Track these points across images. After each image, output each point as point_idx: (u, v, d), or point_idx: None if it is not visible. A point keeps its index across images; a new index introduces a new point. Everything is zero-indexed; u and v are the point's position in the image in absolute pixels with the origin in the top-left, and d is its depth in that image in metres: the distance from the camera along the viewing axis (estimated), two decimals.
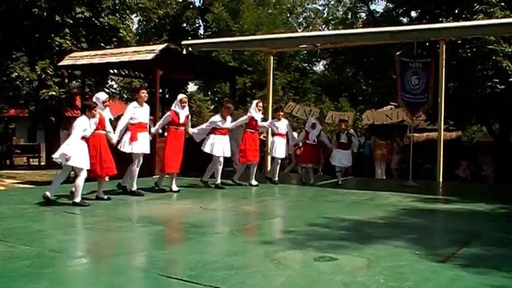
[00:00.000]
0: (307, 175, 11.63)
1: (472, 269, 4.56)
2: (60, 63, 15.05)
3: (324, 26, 39.64)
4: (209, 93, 35.30)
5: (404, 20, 24.30)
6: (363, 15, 34.59)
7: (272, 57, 15.37)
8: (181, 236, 6.12)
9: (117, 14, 20.63)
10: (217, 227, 6.73)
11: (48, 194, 7.78)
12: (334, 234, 6.02)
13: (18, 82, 18.57)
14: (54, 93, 18.84)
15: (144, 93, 9.20)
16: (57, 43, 18.44)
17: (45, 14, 18.05)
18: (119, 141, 8.83)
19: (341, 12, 38.23)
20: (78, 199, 7.76)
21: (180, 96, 9.94)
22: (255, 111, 10.86)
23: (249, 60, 30.87)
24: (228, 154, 10.47)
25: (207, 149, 10.18)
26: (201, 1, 37.41)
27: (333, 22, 37.74)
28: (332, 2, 38.79)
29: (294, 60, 34.81)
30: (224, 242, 5.73)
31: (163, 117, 9.98)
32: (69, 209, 7.55)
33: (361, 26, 30.64)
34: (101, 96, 8.62)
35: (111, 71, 15.96)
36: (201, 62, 15.62)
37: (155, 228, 6.48)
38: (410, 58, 11.51)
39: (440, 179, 12.17)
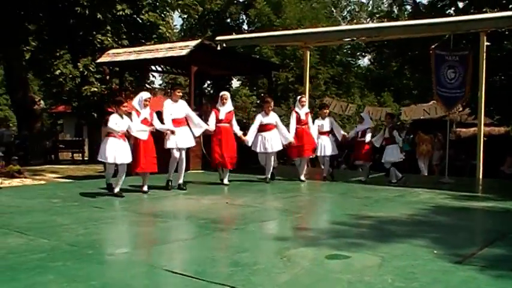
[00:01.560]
0: (364, 172, 11.37)
1: (489, 271, 4.37)
2: (98, 60, 15.36)
3: (368, 19, 39.09)
4: (254, 88, 35.32)
5: (451, 11, 23.69)
6: (408, 7, 34.01)
7: (308, 52, 15.21)
8: (198, 231, 6.10)
9: (157, 11, 20.87)
10: (236, 223, 6.69)
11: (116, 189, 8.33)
12: (353, 231, 5.90)
13: (61, 79, 19.03)
14: (96, 89, 19.21)
15: (179, 92, 9.51)
16: (98, 40, 18.80)
17: (87, 12, 18.40)
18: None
19: (386, 5, 37.50)
20: (116, 189, 8.31)
21: (221, 93, 10.31)
22: (298, 107, 11.02)
23: (291, 55, 30.75)
24: (276, 148, 10.59)
25: (259, 149, 10.50)
26: None
27: (377, 15, 37.18)
28: None
29: (337, 55, 34.49)
30: (239, 238, 5.68)
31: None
32: (96, 204, 7.67)
33: (406, 18, 30.06)
34: (144, 95, 8.87)
35: (149, 67, 16.16)
36: (236, 58, 15.64)
37: (174, 223, 6.51)
38: (447, 51, 11.17)
39: (480, 176, 11.80)
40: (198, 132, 9.66)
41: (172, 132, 9.04)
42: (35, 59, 21.36)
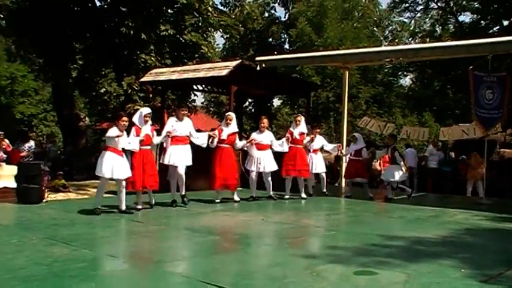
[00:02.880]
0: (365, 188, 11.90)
1: None
2: (141, 79, 15.85)
3: (410, 39, 38.90)
4: (295, 107, 35.53)
5: (495, 29, 23.44)
6: (451, 26, 33.75)
7: (347, 72, 15.36)
8: (232, 246, 6.34)
9: (199, 31, 21.34)
10: (269, 239, 6.90)
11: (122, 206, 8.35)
12: (382, 250, 6.01)
13: (106, 97, 19.62)
14: (139, 107, 19.66)
15: (183, 112, 9.61)
16: (142, 59, 19.31)
17: (132, 32, 18.97)
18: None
19: (428, 25, 37.25)
20: (122, 207, 8.29)
21: (227, 113, 10.60)
22: (292, 126, 11.21)
23: (331, 74, 30.90)
24: (269, 169, 10.60)
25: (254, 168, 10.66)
26: (286, 16, 37.86)
27: (419, 35, 37.00)
28: (418, 15, 37.88)
29: (378, 74, 34.45)
30: (270, 253, 5.89)
31: None
32: (135, 218, 7.99)
33: (449, 37, 29.88)
34: (143, 110, 8.89)
35: (191, 86, 16.56)
36: (276, 78, 15.88)
37: (210, 238, 6.74)
38: (485, 72, 11.18)
39: None
40: (200, 141, 9.69)
41: (168, 134, 9.11)
42: (81, 77, 22.10)
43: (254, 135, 10.68)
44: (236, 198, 10.23)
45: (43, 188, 10.72)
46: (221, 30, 23.22)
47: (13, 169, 12.13)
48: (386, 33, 41.80)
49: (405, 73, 37.07)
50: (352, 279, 4.69)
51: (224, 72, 12.90)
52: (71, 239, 6.20)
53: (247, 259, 5.54)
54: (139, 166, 8.54)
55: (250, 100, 29.92)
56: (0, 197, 11.33)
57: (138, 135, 8.53)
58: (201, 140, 9.70)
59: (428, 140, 17.71)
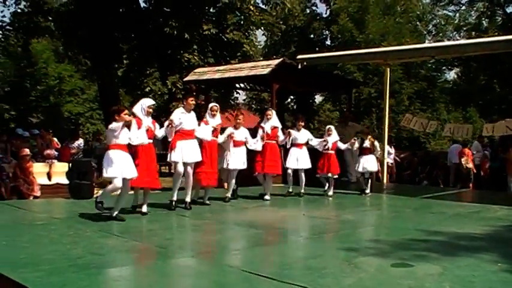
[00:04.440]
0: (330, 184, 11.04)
1: None
2: (185, 79, 16.30)
3: (454, 32, 38.28)
4: (336, 103, 35.51)
5: None
6: (499, 19, 33.08)
7: (389, 69, 15.38)
8: (274, 239, 6.62)
9: (241, 30, 21.69)
10: (310, 233, 7.14)
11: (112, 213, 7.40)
12: (421, 245, 6.15)
13: (150, 96, 20.20)
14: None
15: (192, 101, 8.67)
16: (185, 59, 19.82)
17: (175, 32, 19.49)
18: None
19: (474, 18, 36.54)
20: (114, 213, 7.32)
21: (210, 104, 9.68)
22: (264, 121, 10.47)
23: (374, 70, 30.76)
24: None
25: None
26: (328, 12, 37.82)
27: (464, 28, 36.39)
28: (463, 7, 37.20)
29: (422, 69, 34.08)
30: (310, 246, 6.13)
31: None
32: (181, 212, 8.33)
33: (496, 31, 29.34)
34: (146, 102, 8.10)
35: (233, 85, 16.92)
36: (317, 75, 16.04)
37: (253, 231, 7.02)
38: None
39: None
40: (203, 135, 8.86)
41: (171, 123, 8.07)
42: (127, 76, 22.78)
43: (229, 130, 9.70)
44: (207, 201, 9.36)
45: (93, 184, 11.21)
46: (262, 29, 23.55)
47: (64, 166, 12.74)
48: (430, 27, 41.19)
49: (450, 67, 36.53)
50: (388, 271, 4.88)
51: (266, 71, 13.20)
52: (122, 232, 6.57)
53: (288, 251, 5.81)
54: (144, 162, 7.71)
55: (292, 97, 30.07)
56: (53, 193, 11.96)
57: (139, 127, 7.57)
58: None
59: (472, 136, 17.56)
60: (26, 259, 5.05)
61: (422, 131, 20.14)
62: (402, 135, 29.27)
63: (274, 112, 10.53)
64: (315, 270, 4.86)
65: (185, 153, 8.36)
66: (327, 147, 10.73)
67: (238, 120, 9.78)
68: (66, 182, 11.82)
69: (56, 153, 13.67)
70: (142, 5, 21.92)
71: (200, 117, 9.11)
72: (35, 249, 5.50)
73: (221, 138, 9.41)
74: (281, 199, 10.46)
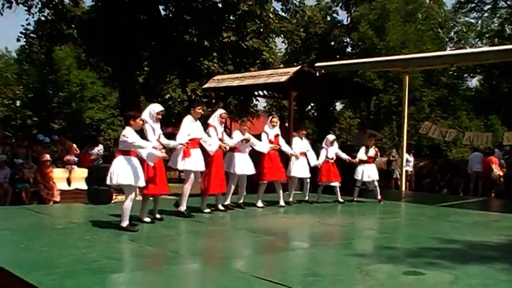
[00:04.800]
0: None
1: None
2: (204, 86, 16.43)
3: (477, 39, 37.96)
4: (357, 110, 35.38)
5: None
6: None
7: (408, 76, 15.34)
8: (286, 245, 6.66)
9: (261, 37, 21.81)
10: (323, 240, 7.14)
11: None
12: (434, 253, 6.13)
13: (170, 102, 20.43)
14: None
15: (199, 110, 8.75)
16: (205, 66, 19.98)
17: (195, 39, 19.67)
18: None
19: (496, 24, 36.20)
20: (124, 223, 7.04)
21: (219, 110, 9.60)
22: (268, 128, 10.32)
23: (394, 77, 30.61)
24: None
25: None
26: (348, 19, 37.80)
27: (487, 35, 36.07)
28: (486, 14, 36.85)
29: (443, 76, 33.82)
30: (323, 253, 6.15)
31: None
32: (197, 218, 8.40)
33: None
34: (155, 107, 7.90)
35: (252, 92, 17.00)
36: (336, 82, 16.05)
37: (266, 238, 7.07)
38: None
39: None
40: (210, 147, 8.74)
41: (187, 150, 8.12)
42: (147, 83, 23.02)
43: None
44: (221, 207, 9.32)
45: (111, 189, 11.34)
46: (282, 36, 23.62)
47: (84, 172, 12.92)
48: (452, 34, 40.88)
49: (471, 75, 36.22)
50: (399, 279, 4.89)
51: (284, 78, 13.25)
52: (137, 237, 6.66)
53: (300, 258, 5.84)
54: (152, 169, 7.54)
55: (312, 104, 30.07)
56: (72, 198, 12.15)
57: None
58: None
59: (493, 144, 17.41)
60: (42, 262, 5.17)
61: (442, 139, 19.94)
62: (423, 143, 29.01)
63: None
64: (326, 277, 4.89)
65: (198, 162, 8.40)
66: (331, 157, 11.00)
67: (244, 127, 9.74)
68: (86, 187, 11.98)
69: (76, 159, 13.85)
70: (163, 13, 22.15)
71: (206, 125, 8.98)
72: (51, 253, 5.62)
73: (233, 142, 9.36)
74: (296, 206, 10.45)
